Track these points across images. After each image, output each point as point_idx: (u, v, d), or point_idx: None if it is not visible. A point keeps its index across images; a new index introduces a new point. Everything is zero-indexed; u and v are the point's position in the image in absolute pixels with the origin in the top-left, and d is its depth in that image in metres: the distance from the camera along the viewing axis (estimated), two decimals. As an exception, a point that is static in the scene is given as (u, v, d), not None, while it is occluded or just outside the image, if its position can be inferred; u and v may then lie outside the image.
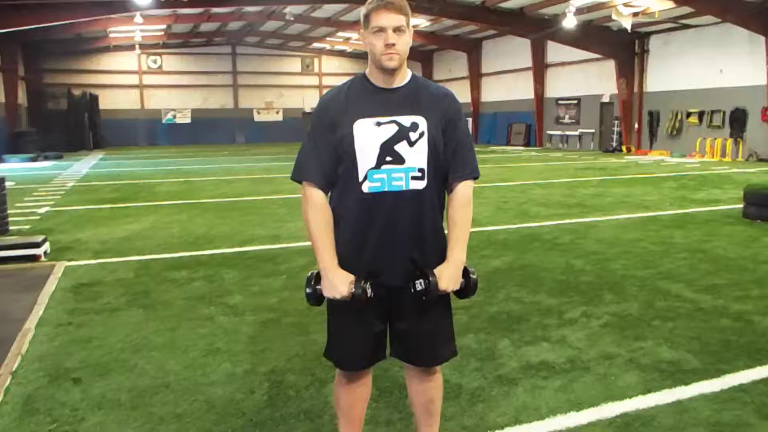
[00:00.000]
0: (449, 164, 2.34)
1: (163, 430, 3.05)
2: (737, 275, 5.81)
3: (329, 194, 2.37)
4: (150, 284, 5.75)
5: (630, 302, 5.01)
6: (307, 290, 2.33)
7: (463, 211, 2.35)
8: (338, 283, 2.24)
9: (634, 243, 7.32)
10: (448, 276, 2.27)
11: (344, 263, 2.30)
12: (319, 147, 2.29)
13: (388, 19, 2.19)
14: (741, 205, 9.19)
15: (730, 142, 22.03)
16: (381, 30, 2.20)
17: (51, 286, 5.66)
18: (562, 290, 5.38)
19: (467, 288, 2.34)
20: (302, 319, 4.69)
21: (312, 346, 4.10)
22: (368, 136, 2.24)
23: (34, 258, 6.71)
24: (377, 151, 2.25)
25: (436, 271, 2.27)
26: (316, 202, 2.29)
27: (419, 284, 2.26)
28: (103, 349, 4.12)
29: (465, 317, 4.64)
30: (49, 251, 7.06)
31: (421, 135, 2.26)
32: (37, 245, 6.81)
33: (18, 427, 3.07)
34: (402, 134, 2.25)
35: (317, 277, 2.32)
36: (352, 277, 2.25)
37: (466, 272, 2.33)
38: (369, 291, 2.23)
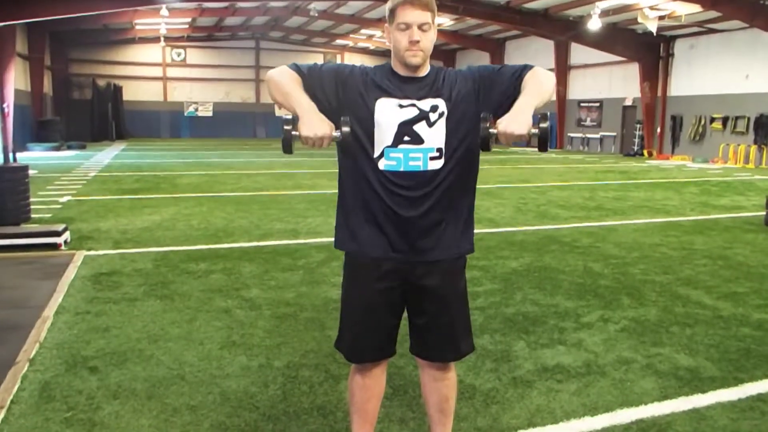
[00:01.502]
0: (516, 81, 2.24)
1: (177, 421, 3.07)
2: (758, 283, 5.72)
3: (339, 175, 2.40)
4: (168, 275, 5.79)
5: (648, 307, 4.96)
6: (284, 132, 2.12)
7: (536, 76, 2.21)
8: (318, 122, 2.11)
9: (653, 248, 7.25)
10: (509, 119, 2.04)
11: (362, 242, 2.33)
12: (317, 81, 2.26)
13: (413, 16, 2.18)
14: (764, 213, 9.05)
15: (754, 148, 21.72)
16: (407, 26, 2.19)
17: (71, 274, 5.73)
18: (580, 293, 5.34)
19: (542, 136, 2.07)
20: (318, 314, 4.70)
21: (327, 342, 4.10)
22: (388, 113, 2.24)
23: (55, 246, 6.79)
24: (395, 129, 2.24)
25: (498, 121, 2.09)
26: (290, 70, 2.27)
27: (481, 129, 2.07)
28: (120, 339, 4.15)
29: (481, 318, 4.62)
30: (69, 240, 7.15)
31: (441, 115, 2.26)
32: (58, 234, 6.89)
33: (34, 414, 3.11)
34: (422, 116, 2.25)
35: (293, 122, 2.14)
36: (332, 124, 2.15)
37: (536, 122, 2.10)
38: (348, 128, 2.13)
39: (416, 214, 2.28)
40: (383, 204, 2.29)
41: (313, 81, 2.26)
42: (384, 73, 2.31)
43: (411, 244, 2.31)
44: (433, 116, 2.25)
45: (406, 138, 2.24)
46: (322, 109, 2.18)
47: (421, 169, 2.26)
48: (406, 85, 2.27)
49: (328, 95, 2.26)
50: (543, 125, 2.04)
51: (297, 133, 2.11)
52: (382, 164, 2.27)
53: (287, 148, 2.16)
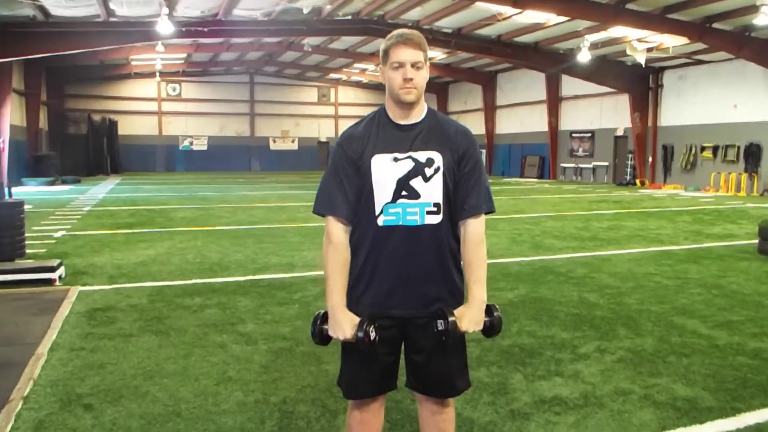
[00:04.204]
0: (462, 199, 2.35)
1: (173, 458, 3.04)
2: (753, 312, 5.74)
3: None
4: (164, 310, 5.77)
5: (645, 337, 4.97)
6: (312, 329, 2.35)
7: (478, 250, 2.35)
8: (343, 323, 2.26)
9: (648, 277, 7.27)
10: (469, 317, 2.27)
11: (357, 290, 2.36)
12: (345, 180, 2.33)
13: (406, 55, 2.25)
14: (756, 241, 9.11)
15: (744, 176, 21.94)
16: (400, 65, 2.26)
17: (65, 310, 5.70)
18: (576, 324, 5.34)
19: (492, 327, 2.32)
20: (315, 348, 4.67)
21: (324, 376, 4.09)
22: (385, 170, 2.29)
23: (49, 282, 6.77)
24: (394, 185, 2.29)
25: (456, 312, 2.27)
26: (338, 241, 2.33)
27: (440, 324, 2.24)
28: (115, 375, 4.13)
29: (477, 350, 4.60)
30: (64, 275, 7.12)
31: (437, 170, 2.30)
32: (53, 269, 6.87)
33: (29, 452, 3.08)
34: (418, 170, 2.30)
35: (323, 317, 2.34)
36: (357, 320, 2.25)
37: (489, 311, 2.32)
38: (373, 334, 2.22)
39: (413, 267, 2.32)
40: (382, 258, 2.32)
41: (350, 185, 2.33)
42: (379, 123, 2.36)
43: (408, 296, 2.34)
44: (428, 171, 2.30)
45: (404, 193, 2.29)
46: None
47: (419, 223, 2.30)
48: (401, 135, 2.32)
49: (353, 172, 2.33)
50: (497, 314, 2.33)
51: (326, 327, 2.32)
52: (381, 220, 2.31)
53: (318, 342, 2.36)
